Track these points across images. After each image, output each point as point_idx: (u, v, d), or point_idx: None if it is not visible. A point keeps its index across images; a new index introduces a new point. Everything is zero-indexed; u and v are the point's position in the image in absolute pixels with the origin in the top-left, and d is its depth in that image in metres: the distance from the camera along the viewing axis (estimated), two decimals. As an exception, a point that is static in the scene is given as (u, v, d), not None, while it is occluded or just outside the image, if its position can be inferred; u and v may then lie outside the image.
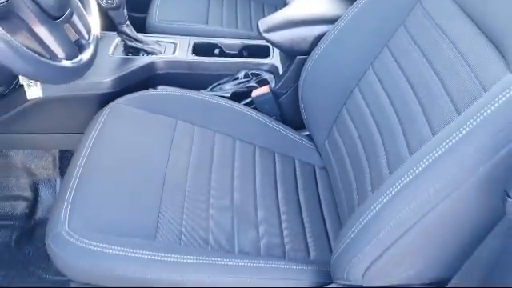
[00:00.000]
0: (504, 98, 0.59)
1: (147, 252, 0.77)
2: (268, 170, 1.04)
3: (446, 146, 0.62)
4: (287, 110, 1.19)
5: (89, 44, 0.86)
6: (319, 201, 1.01)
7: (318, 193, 1.03)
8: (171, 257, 0.78)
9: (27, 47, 0.71)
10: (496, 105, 0.60)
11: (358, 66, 0.96)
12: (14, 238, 1.24)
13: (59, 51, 0.76)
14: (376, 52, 0.93)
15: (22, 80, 0.97)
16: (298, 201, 0.99)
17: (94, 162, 0.92)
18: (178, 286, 0.77)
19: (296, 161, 1.08)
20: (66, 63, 0.77)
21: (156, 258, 0.77)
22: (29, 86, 0.98)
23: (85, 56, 0.82)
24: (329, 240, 0.92)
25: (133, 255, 0.77)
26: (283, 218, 0.94)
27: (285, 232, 0.91)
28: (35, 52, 0.72)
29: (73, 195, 0.85)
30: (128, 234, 0.80)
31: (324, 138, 1.06)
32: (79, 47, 0.83)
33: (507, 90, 0.60)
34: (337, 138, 1.01)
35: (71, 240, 0.78)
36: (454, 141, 0.62)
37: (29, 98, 1.00)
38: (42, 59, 0.72)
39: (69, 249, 0.77)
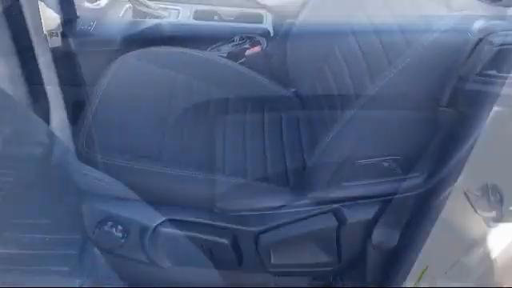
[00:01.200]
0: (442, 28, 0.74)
1: (152, 166, 0.92)
2: (257, 118, 1.18)
3: (395, 71, 0.77)
4: (276, 69, 1.33)
5: (106, -7, 1.01)
6: (301, 143, 1.15)
7: (300, 137, 1.17)
8: (172, 171, 0.92)
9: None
10: (435, 35, 0.74)
11: (338, 26, 1.11)
12: (32, 179, 1.38)
13: (82, -5, 0.91)
14: (354, 13, 1.08)
15: (45, 29, 1.12)
16: (282, 143, 1.13)
17: (107, 100, 1.07)
18: (174, 194, 0.92)
19: (282, 112, 1.23)
20: (88, 5, 0.92)
21: (159, 170, 0.92)
22: (51, 35, 1.13)
23: (102, 2, 0.97)
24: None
25: (139, 167, 0.91)
26: (268, 153, 1.08)
27: (268, 163, 1.05)
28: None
29: (89, 124, 0.99)
30: (136, 155, 0.95)
31: (307, 92, 1.20)
32: (98, -5, 0.99)
33: (442, 22, 0.75)
34: (318, 90, 1.15)
35: (87, 156, 0.92)
36: (404, 64, 0.77)
37: (50, 46, 1.14)
38: (68, -2, 0.87)
39: (84, 163, 0.92)
